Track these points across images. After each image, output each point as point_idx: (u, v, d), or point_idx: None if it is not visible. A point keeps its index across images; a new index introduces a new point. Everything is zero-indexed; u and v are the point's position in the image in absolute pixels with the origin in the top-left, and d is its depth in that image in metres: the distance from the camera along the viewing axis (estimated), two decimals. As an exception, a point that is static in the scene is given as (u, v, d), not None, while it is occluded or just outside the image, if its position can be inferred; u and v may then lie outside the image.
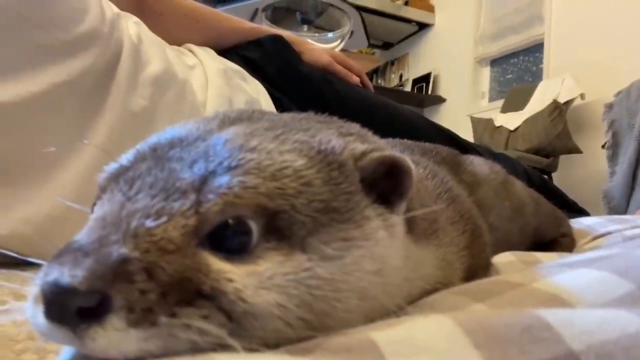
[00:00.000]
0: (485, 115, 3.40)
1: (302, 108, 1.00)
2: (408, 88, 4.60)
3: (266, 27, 1.15)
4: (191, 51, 0.95)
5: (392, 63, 4.89)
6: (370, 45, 4.57)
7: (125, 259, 0.17)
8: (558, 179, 2.98)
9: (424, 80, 4.46)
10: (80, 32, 0.66)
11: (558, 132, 2.82)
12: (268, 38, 1.05)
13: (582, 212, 1.27)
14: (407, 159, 0.22)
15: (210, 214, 0.18)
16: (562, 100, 2.89)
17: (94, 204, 0.20)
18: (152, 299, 0.16)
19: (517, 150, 2.92)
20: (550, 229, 0.58)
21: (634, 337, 0.15)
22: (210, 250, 0.18)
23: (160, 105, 0.73)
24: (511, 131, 3.09)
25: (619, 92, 2.28)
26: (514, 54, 3.81)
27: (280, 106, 0.94)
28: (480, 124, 3.31)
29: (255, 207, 0.19)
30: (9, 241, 0.58)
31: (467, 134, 3.48)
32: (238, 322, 0.18)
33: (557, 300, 0.20)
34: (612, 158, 2.23)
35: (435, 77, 4.41)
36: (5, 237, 0.58)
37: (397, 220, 0.22)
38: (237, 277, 0.18)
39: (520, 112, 3.12)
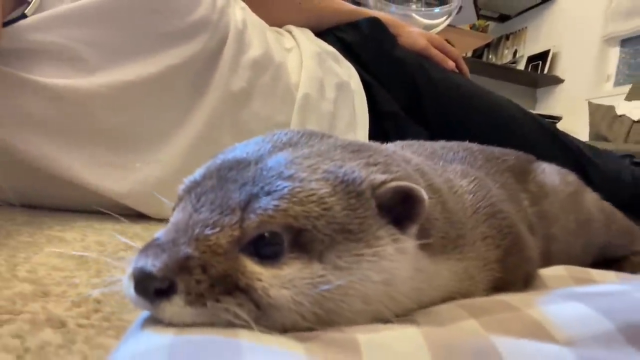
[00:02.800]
0: (607, 102, 3.09)
1: (393, 93, 1.02)
2: (522, 66, 4.29)
3: (365, 10, 1.16)
4: (290, 32, 1.00)
5: (507, 37, 4.57)
6: (484, 17, 4.30)
7: (188, 257, 0.23)
8: (685, 180, 2.65)
9: (540, 57, 4.14)
10: (193, 20, 0.74)
11: (692, 127, 2.50)
12: (365, 21, 1.07)
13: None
14: (421, 189, 0.26)
15: (249, 229, 0.24)
16: (702, 91, 2.54)
17: (174, 209, 0.27)
18: (203, 287, 0.22)
19: (639, 144, 2.64)
20: (620, 246, 0.56)
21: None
22: (249, 256, 0.24)
23: (257, 86, 0.80)
24: (635, 122, 2.79)
25: None
26: (652, 34, 3.38)
27: (370, 90, 0.97)
28: (599, 111, 3.02)
29: (285, 225, 0.24)
30: (127, 198, 0.70)
31: (582, 121, 3.21)
32: (264, 312, 0.23)
33: (540, 329, 0.22)
34: None
35: (555, 55, 4.07)
36: (125, 194, 0.69)
37: (408, 239, 0.26)
38: (265, 278, 0.23)
39: (649, 101, 2.80)
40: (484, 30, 4.12)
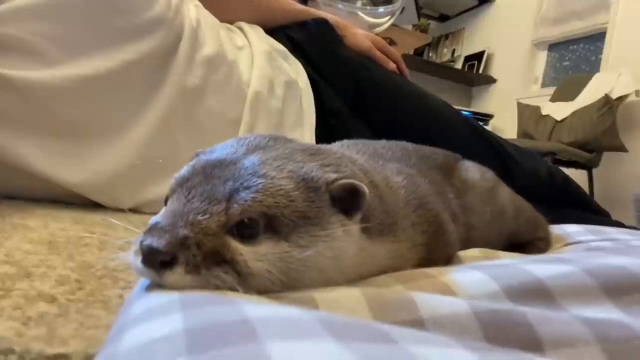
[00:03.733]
0: (535, 102, 3.33)
1: (339, 91, 1.08)
2: (459, 65, 4.52)
3: (315, 10, 1.22)
4: (241, 29, 1.04)
5: (447, 37, 4.79)
6: (425, 16, 4.49)
7: (186, 237, 0.28)
8: (598, 176, 2.94)
9: (476, 58, 4.38)
10: (149, 17, 0.77)
11: (605, 128, 2.76)
12: (313, 21, 1.12)
13: (603, 214, 1.25)
14: (364, 186, 0.32)
15: (233, 215, 0.30)
16: (615, 95, 2.81)
17: (167, 199, 0.32)
18: (198, 260, 0.28)
19: (560, 143, 2.88)
20: (527, 233, 0.67)
21: (430, 312, 0.25)
22: (232, 236, 0.30)
23: (210, 83, 0.84)
24: (557, 121, 3.04)
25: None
26: (575, 41, 3.68)
27: (317, 88, 1.03)
28: (527, 111, 3.26)
29: (260, 213, 0.30)
30: (83, 188, 0.72)
31: (512, 119, 3.45)
32: (244, 279, 0.29)
33: (447, 289, 0.30)
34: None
35: (489, 56, 4.32)
36: (80, 184, 0.71)
37: (353, 224, 0.33)
38: (245, 253, 0.29)
39: (570, 102, 3.05)
40: (424, 30, 4.29)
